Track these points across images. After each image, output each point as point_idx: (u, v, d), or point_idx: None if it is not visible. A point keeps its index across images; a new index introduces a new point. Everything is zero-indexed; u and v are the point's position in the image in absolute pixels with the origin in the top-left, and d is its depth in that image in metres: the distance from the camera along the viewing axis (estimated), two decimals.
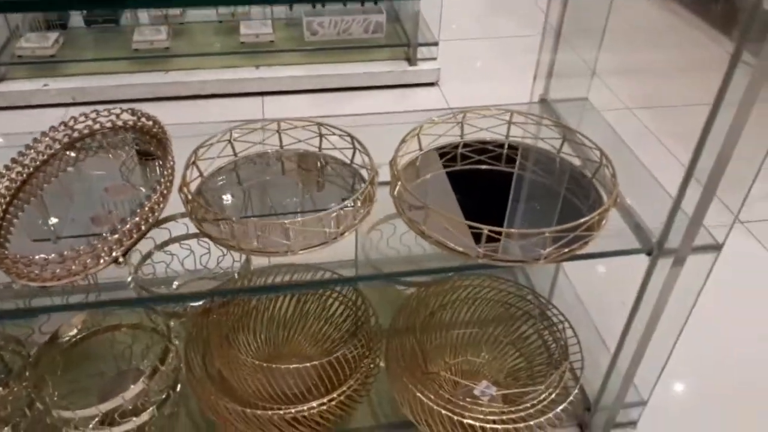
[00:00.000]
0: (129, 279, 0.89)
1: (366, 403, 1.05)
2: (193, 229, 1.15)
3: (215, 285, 1.07)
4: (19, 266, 0.67)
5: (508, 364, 1.04)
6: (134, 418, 0.86)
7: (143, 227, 0.75)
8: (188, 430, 0.99)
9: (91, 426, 0.83)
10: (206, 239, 1.13)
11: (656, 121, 1.87)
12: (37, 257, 0.67)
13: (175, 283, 1.12)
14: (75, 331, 0.96)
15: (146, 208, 0.74)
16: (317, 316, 1.07)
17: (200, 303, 1.03)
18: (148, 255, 1.12)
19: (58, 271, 0.68)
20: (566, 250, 0.77)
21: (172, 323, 0.99)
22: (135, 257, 1.11)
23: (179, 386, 0.93)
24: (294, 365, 0.84)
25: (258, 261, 1.05)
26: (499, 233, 0.74)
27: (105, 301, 0.80)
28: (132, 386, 0.83)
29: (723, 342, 1.29)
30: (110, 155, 0.90)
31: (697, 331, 1.26)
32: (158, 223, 1.09)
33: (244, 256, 1.10)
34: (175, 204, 0.83)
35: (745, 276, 1.43)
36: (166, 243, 1.15)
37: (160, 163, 0.86)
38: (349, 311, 1.02)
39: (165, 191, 0.78)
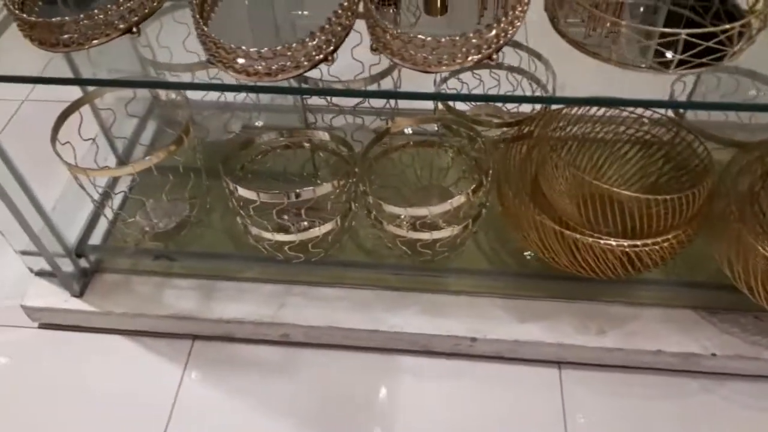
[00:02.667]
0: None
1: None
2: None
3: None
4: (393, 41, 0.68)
5: None
6: (449, 228, 0.89)
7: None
8: (481, 255, 1.01)
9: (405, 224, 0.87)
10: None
11: None
12: (407, 36, 0.67)
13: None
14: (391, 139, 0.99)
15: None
16: (633, 162, 1.00)
17: (503, 131, 1.02)
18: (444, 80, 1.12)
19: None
20: None
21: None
22: None
23: (485, 210, 0.94)
24: (631, 193, 0.80)
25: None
26: None
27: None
28: (450, 200, 0.85)
29: None
30: None
31: None
32: None
33: (545, 92, 1.06)
34: None
35: None
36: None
37: None
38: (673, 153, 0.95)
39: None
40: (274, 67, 0.68)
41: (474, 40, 0.67)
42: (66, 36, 0.71)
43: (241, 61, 0.68)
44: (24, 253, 1.00)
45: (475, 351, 0.97)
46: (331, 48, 0.70)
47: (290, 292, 1.01)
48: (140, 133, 1.17)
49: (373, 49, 0.73)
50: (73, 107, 0.92)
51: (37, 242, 0.95)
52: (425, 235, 0.88)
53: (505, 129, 1.01)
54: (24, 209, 0.91)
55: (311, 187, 0.84)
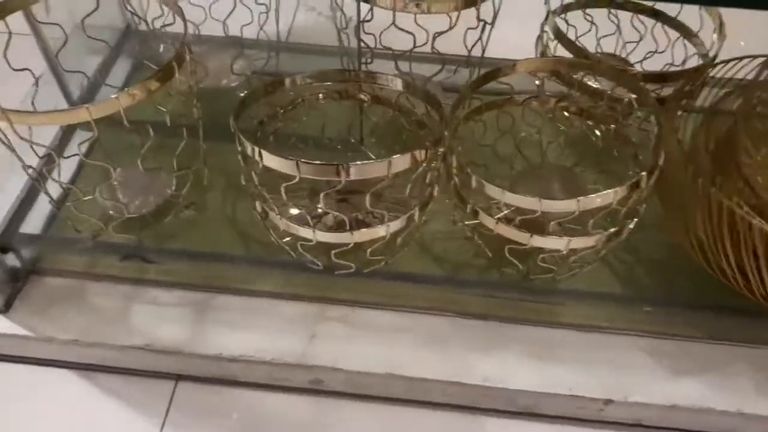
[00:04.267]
0: None
1: None
2: None
3: None
4: None
5: None
6: (596, 234, 0.56)
7: None
8: (614, 273, 0.69)
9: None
10: None
11: None
12: None
13: None
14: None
15: None
16: None
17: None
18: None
19: None
20: None
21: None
22: None
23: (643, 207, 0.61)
24: None
25: None
26: None
27: None
28: (616, 188, 0.52)
29: None
30: None
31: None
32: None
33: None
34: None
35: None
36: None
37: None
38: None
39: None
40: None
41: None
42: None
43: None
44: None
45: (606, 417, 0.65)
46: None
47: (326, 316, 0.68)
48: (108, 70, 0.82)
49: None
50: None
51: None
52: (558, 243, 0.56)
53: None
54: None
55: (386, 159, 0.51)
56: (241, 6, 0.81)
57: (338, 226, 0.61)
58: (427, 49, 0.73)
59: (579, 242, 0.56)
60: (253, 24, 0.81)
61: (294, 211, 0.64)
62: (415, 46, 0.72)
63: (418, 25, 0.69)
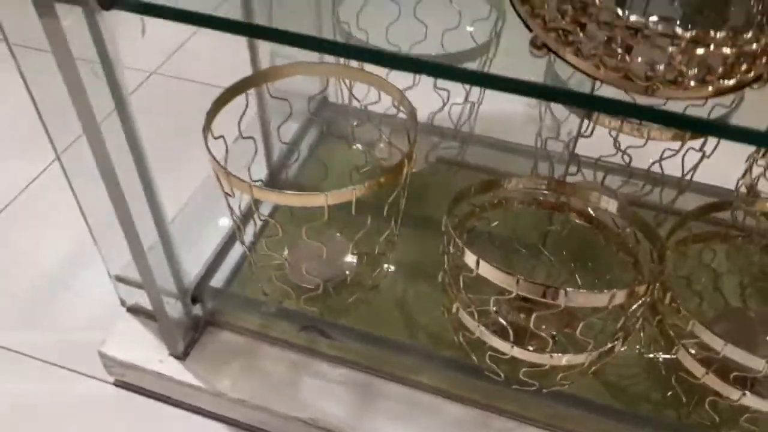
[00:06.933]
0: None
1: None
2: None
3: None
4: None
5: None
6: None
7: None
8: None
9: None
10: None
11: None
12: None
13: None
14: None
15: None
16: None
17: None
18: None
19: None
20: None
21: None
22: None
23: None
24: None
25: None
26: None
27: None
28: None
29: None
30: None
31: None
32: None
33: None
34: None
35: None
36: None
37: None
38: None
39: None
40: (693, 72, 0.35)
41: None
42: None
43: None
44: (120, 279, 0.70)
45: None
46: None
47: (491, 426, 0.65)
48: (303, 136, 0.86)
49: None
50: (240, 87, 0.62)
51: (142, 265, 0.64)
52: None
53: None
54: (136, 214, 0.59)
55: (608, 292, 0.50)
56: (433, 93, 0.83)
57: (522, 339, 0.60)
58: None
59: None
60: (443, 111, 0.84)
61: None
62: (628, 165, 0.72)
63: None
